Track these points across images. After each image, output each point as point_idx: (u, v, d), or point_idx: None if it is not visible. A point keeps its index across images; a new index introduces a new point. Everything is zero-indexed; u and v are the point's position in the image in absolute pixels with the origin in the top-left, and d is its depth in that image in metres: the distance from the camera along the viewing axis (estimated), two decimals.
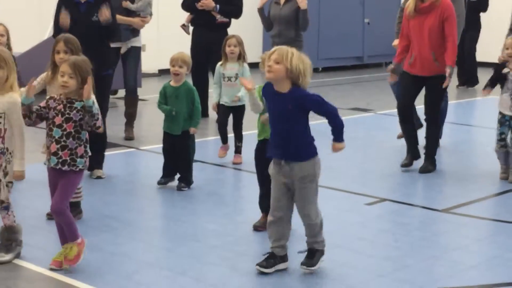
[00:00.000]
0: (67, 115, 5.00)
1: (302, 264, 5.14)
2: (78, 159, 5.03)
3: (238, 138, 8.10)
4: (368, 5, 17.22)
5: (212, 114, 10.23)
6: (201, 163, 8.14)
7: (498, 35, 13.89)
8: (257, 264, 5.12)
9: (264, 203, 5.91)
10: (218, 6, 10.34)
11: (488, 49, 15.80)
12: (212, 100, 8.27)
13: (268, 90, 5.07)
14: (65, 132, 4.99)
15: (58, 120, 5.00)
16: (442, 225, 6.32)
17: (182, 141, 7.04)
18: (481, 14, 14.52)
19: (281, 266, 5.16)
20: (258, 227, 5.96)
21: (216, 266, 5.23)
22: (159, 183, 7.12)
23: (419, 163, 7.91)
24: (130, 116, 9.42)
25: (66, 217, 5.07)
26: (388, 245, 5.77)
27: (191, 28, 10.79)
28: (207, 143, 9.15)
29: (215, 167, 8.05)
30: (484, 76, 15.01)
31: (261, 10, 9.61)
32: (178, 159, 7.10)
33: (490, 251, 5.65)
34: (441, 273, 5.20)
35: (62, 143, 5.00)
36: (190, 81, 7.68)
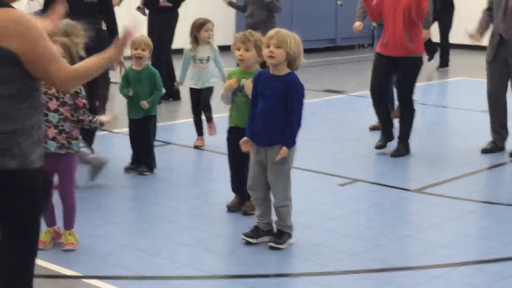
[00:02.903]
0: (61, 99, 5.01)
1: (270, 242, 5.26)
2: (73, 141, 5.09)
3: (207, 110, 8.05)
4: None
5: (184, 97, 10.22)
6: (173, 145, 8.15)
7: (472, 18, 13.99)
8: (243, 234, 5.30)
9: (235, 184, 5.99)
10: None
11: (462, 31, 15.90)
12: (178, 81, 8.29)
13: (262, 77, 5.24)
14: (62, 117, 5.02)
15: (53, 105, 5.01)
16: (414, 205, 6.37)
17: (142, 126, 6.97)
18: None
19: (266, 238, 5.32)
20: (232, 208, 5.99)
21: (190, 247, 5.24)
22: (126, 169, 7.07)
23: (392, 144, 7.95)
24: (102, 98, 9.38)
25: (74, 201, 5.18)
26: (361, 224, 5.81)
27: (147, 11, 10.72)
28: (178, 126, 9.14)
29: (187, 149, 8.05)
30: (456, 58, 15.17)
31: (230, 4, 9.99)
32: (139, 144, 7.05)
33: (462, 230, 5.71)
34: (414, 252, 5.26)
35: (60, 127, 5.03)
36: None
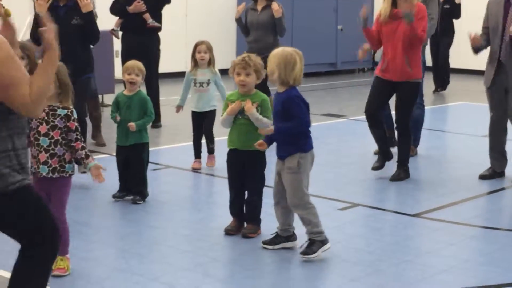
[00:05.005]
0: (52, 123, 4.98)
1: (300, 253, 5.44)
2: (67, 165, 5.04)
3: (210, 139, 8.08)
4: (341, 11, 17.30)
5: (184, 120, 10.23)
6: (173, 168, 8.13)
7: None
8: (262, 241, 5.64)
9: (234, 207, 5.97)
10: None
11: (461, 56, 15.95)
12: (175, 103, 8.28)
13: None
14: (52, 140, 4.99)
15: (43, 128, 4.98)
16: (414, 230, 6.35)
17: (135, 154, 6.83)
18: (455, 20, 14.64)
19: (287, 244, 5.63)
20: (230, 231, 5.97)
21: (189, 272, 5.21)
22: (114, 196, 6.93)
23: (391, 168, 7.93)
24: (95, 119, 9.44)
25: (66, 224, 5.12)
26: (360, 249, 5.78)
27: (120, 33, 10.52)
28: (178, 149, 9.13)
29: (187, 172, 8.04)
30: (456, 82, 15.19)
31: (239, 20, 9.73)
32: (131, 173, 6.88)
33: (462, 255, 5.68)
34: (413, 277, 5.22)
35: (51, 151, 4.99)
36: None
